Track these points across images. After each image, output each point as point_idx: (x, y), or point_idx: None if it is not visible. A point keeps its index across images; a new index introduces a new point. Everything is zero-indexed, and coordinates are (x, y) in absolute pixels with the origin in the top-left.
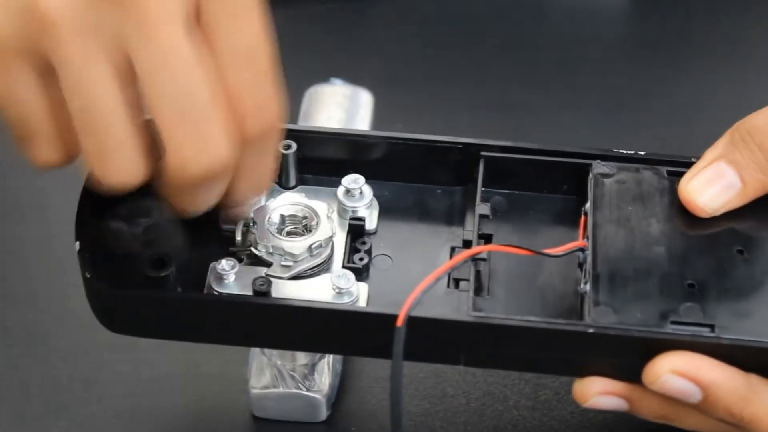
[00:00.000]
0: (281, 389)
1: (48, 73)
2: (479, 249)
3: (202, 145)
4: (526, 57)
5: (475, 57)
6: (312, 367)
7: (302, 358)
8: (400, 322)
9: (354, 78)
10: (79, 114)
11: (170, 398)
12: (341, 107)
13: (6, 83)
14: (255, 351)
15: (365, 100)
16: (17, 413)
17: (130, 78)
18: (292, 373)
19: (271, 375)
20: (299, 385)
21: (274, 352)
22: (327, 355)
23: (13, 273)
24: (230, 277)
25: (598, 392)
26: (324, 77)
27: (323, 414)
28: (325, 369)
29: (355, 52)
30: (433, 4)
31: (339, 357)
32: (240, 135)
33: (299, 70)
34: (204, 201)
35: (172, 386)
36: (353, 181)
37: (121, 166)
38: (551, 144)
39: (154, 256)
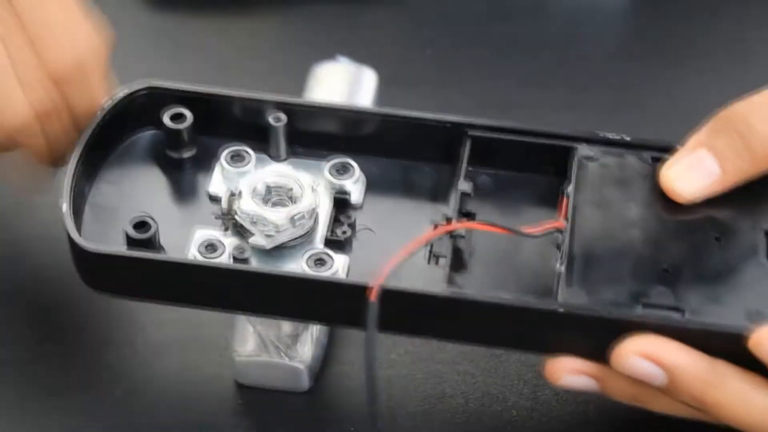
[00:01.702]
0: (264, 358)
1: None
2: (455, 226)
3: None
4: (526, 57)
5: (475, 57)
6: (295, 337)
7: (286, 327)
8: (373, 293)
9: None
10: None
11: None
12: (345, 84)
13: None
14: (240, 318)
15: (369, 78)
16: (17, 413)
17: None
18: (276, 343)
19: (255, 343)
20: (282, 354)
21: (258, 320)
22: (311, 326)
23: (13, 272)
24: (213, 244)
25: (568, 371)
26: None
27: (305, 384)
28: (308, 339)
29: (353, 52)
30: (433, 4)
31: (324, 328)
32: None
33: (304, 49)
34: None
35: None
36: (342, 160)
37: None
38: (538, 125)
39: (137, 218)
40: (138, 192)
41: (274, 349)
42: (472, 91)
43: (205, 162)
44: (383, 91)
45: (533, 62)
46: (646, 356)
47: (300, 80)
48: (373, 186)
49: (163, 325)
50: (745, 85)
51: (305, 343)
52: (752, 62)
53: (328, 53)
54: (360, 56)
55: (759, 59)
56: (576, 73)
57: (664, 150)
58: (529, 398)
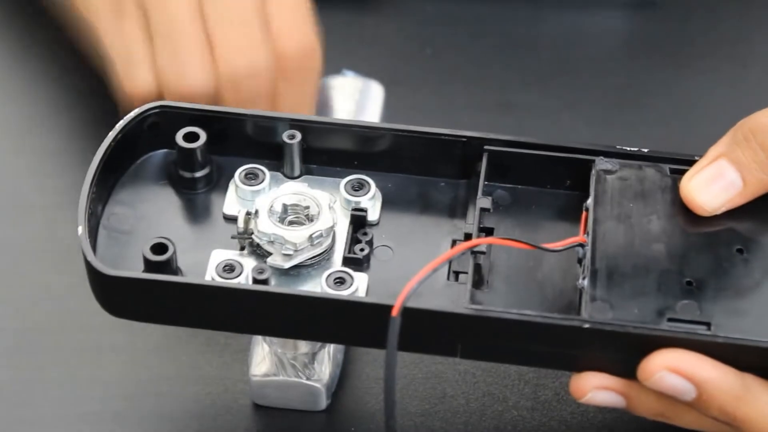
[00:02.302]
0: (281, 377)
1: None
2: (477, 242)
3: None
4: (526, 57)
5: (475, 57)
6: (312, 357)
7: (303, 347)
8: (395, 312)
9: None
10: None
11: (172, 388)
12: (352, 99)
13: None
14: (256, 339)
15: (376, 92)
16: (17, 413)
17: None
18: (293, 362)
19: (272, 363)
20: (299, 373)
21: (275, 340)
22: (327, 345)
23: (13, 273)
24: (231, 265)
25: (594, 387)
26: (333, 70)
27: (323, 403)
28: (326, 358)
29: (353, 52)
30: (434, 4)
31: (340, 347)
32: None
33: None
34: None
35: (172, 381)
36: (357, 177)
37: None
38: (555, 139)
39: (155, 241)
40: (151, 213)
41: (291, 369)
42: (472, 91)
43: (218, 181)
44: (384, 92)
45: (533, 62)
46: (676, 371)
47: None
48: (389, 202)
49: (177, 345)
50: (745, 85)
51: (322, 362)
52: (752, 62)
53: (328, 54)
54: (360, 56)
55: (759, 59)
56: (576, 73)
57: (682, 161)
58: (530, 398)
